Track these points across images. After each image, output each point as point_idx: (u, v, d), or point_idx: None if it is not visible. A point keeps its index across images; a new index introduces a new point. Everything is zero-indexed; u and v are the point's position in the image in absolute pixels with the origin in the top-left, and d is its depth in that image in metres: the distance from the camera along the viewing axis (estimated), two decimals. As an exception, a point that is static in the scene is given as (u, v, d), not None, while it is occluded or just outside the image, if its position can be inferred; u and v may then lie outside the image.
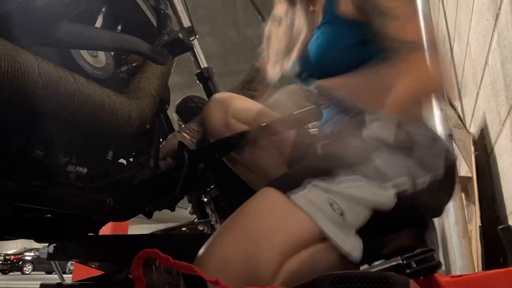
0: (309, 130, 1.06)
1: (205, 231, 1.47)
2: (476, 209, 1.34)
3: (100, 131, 0.86)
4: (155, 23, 1.01)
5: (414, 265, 0.53)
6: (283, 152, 1.08)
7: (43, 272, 16.90)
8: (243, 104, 1.15)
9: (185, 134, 1.18)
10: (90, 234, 1.15)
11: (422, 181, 0.75)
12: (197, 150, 1.13)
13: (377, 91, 0.91)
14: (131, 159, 1.09)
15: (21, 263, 16.78)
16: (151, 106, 0.94)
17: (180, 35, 0.86)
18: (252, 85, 1.43)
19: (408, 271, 0.53)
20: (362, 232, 0.72)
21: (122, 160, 1.07)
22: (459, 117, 1.50)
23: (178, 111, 1.40)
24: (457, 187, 1.42)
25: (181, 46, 0.87)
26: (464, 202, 1.50)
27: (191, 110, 1.36)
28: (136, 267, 0.70)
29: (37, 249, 17.35)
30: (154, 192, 1.06)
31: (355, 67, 0.97)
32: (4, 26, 0.64)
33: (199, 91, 1.47)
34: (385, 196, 0.72)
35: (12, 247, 20.99)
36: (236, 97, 1.17)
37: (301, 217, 0.69)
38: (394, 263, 0.55)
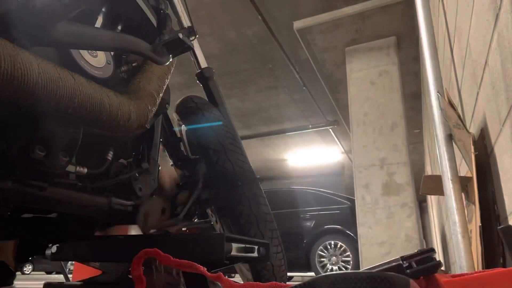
0: None
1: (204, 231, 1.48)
2: (476, 209, 1.34)
3: (100, 131, 0.86)
4: (155, 23, 1.01)
5: (415, 265, 0.53)
6: None
7: (43, 272, 16.89)
8: None
9: None
10: (90, 234, 1.15)
11: None
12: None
13: None
14: (131, 159, 1.09)
15: (21, 263, 16.76)
16: (151, 106, 0.94)
17: (180, 35, 0.86)
18: None
19: (408, 271, 0.53)
20: None
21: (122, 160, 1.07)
22: (459, 117, 1.50)
23: (178, 111, 1.40)
24: (457, 187, 1.42)
25: (181, 46, 0.87)
26: (464, 202, 1.50)
27: (191, 110, 1.36)
28: (136, 267, 0.70)
29: (37, 249, 17.33)
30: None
31: None
32: (5, 26, 0.64)
33: (199, 91, 1.47)
34: None
35: (12, 247, 20.96)
36: None
37: None
38: (394, 264, 0.55)
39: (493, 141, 1.32)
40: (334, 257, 5.57)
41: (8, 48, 0.60)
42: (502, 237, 0.66)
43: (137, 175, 1.02)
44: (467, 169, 1.55)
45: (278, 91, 6.46)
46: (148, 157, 1.08)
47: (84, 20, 0.86)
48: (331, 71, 5.46)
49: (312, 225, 5.92)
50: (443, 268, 0.56)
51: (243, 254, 0.97)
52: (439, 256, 6.11)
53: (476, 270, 1.30)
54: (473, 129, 1.63)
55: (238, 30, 4.95)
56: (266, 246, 1.07)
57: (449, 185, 1.42)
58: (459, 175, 1.46)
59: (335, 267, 5.51)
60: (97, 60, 0.90)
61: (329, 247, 5.64)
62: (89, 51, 0.88)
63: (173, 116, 1.43)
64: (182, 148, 1.43)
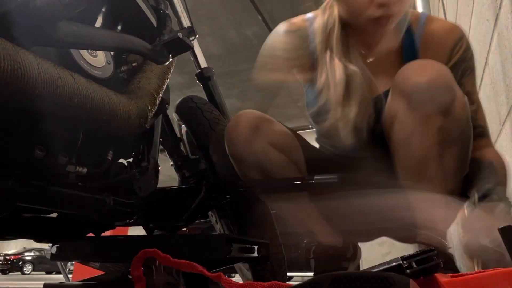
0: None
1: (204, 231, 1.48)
2: (476, 209, 1.34)
3: (100, 131, 0.86)
4: (155, 23, 1.01)
5: (415, 265, 0.53)
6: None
7: (43, 272, 16.90)
8: (280, 129, 1.09)
9: None
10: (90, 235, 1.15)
11: None
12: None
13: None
14: (131, 159, 1.09)
15: (21, 263, 16.78)
16: (151, 106, 0.94)
17: (180, 35, 0.86)
18: None
19: (408, 271, 0.53)
20: None
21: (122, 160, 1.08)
22: (459, 117, 1.50)
23: (178, 111, 1.40)
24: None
25: (181, 46, 0.87)
26: (464, 202, 1.50)
27: (191, 110, 1.36)
28: (136, 267, 0.70)
29: (37, 249, 17.35)
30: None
31: None
32: (4, 26, 0.64)
33: (199, 91, 1.47)
34: None
35: (12, 247, 20.99)
36: (270, 120, 1.10)
37: None
38: (394, 264, 0.55)
39: (493, 141, 1.32)
40: (334, 257, 5.56)
41: (8, 48, 0.60)
42: (502, 237, 0.66)
43: (137, 175, 1.02)
44: (467, 169, 1.54)
45: (278, 91, 6.47)
46: (148, 157, 1.08)
47: (84, 20, 0.86)
48: (331, 71, 5.46)
49: (312, 225, 5.91)
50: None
51: (243, 254, 0.97)
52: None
53: (476, 270, 1.30)
54: (473, 129, 1.63)
55: (238, 30, 4.95)
56: (266, 246, 1.07)
57: (449, 185, 1.42)
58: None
59: (335, 267, 5.50)
60: (97, 60, 0.90)
61: (329, 247, 5.63)
62: (89, 51, 0.88)
63: (173, 116, 1.43)
64: (182, 148, 1.43)
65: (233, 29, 4.93)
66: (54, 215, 1.07)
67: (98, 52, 0.91)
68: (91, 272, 1.35)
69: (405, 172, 0.92)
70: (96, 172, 0.92)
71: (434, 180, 0.88)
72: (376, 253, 3.95)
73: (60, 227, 1.09)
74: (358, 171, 0.97)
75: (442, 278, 0.53)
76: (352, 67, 0.97)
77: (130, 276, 0.72)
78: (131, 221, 1.19)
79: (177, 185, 1.36)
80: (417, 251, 0.55)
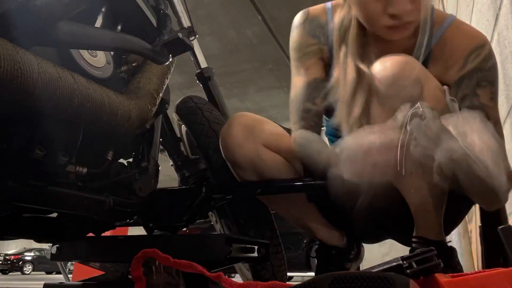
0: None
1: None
2: (476, 209, 1.34)
3: (99, 131, 0.86)
4: (155, 23, 1.01)
5: (415, 265, 0.53)
6: None
7: (43, 272, 16.90)
8: (273, 129, 1.08)
9: None
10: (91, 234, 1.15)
11: None
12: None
13: None
14: (131, 159, 1.09)
15: (21, 263, 16.77)
16: (151, 106, 0.94)
17: (180, 35, 0.86)
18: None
19: (408, 271, 0.53)
20: None
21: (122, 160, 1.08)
22: (459, 117, 1.50)
23: (178, 111, 1.40)
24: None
25: (181, 46, 0.87)
26: (464, 202, 1.50)
27: (191, 110, 1.36)
28: (136, 267, 0.70)
29: (37, 249, 17.35)
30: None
31: None
32: (4, 26, 0.64)
33: (199, 91, 1.47)
34: None
35: (12, 247, 20.99)
36: (263, 122, 1.09)
37: None
38: (394, 264, 0.55)
39: (493, 141, 1.32)
40: (334, 257, 5.57)
41: (8, 48, 0.60)
42: (502, 237, 0.66)
43: (137, 175, 1.02)
44: (467, 169, 1.54)
45: (278, 91, 6.47)
46: (148, 157, 1.08)
47: (84, 20, 0.86)
48: (331, 71, 5.46)
49: (312, 225, 5.91)
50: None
51: (243, 254, 0.97)
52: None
53: (476, 270, 1.30)
54: (473, 129, 1.63)
55: (238, 30, 4.95)
56: (266, 246, 1.07)
57: (449, 185, 1.42)
58: (459, 175, 1.46)
59: (335, 267, 5.50)
60: (97, 60, 0.90)
61: (329, 247, 5.63)
62: (89, 51, 0.88)
63: (173, 116, 1.43)
64: (182, 148, 1.43)
65: (233, 29, 4.93)
66: (54, 215, 1.07)
67: (98, 52, 0.91)
68: (91, 272, 1.35)
69: None
70: (96, 172, 0.92)
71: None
72: (376, 253, 3.95)
73: (60, 227, 1.09)
74: None
75: (442, 278, 0.53)
76: (364, 67, 0.96)
77: (130, 276, 0.72)
78: (131, 221, 1.19)
79: (177, 185, 1.36)
80: (417, 251, 0.55)
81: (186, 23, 1.45)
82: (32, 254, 17.36)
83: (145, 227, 1.21)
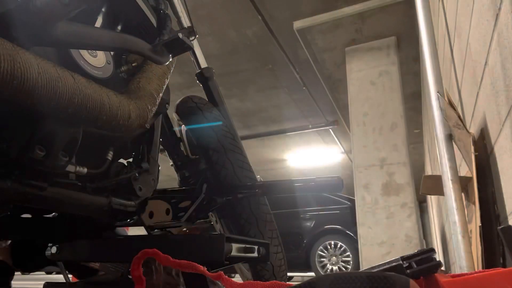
0: None
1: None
2: (476, 209, 1.34)
3: (100, 131, 0.86)
4: (155, 23, 1.01)
5: (415, 265, 0.53)
6: None
7: (43, 272, 16.87)
8: None
9: None
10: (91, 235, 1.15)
11: None
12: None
13: None
14: (131, 159, 1.09)
15: (21, 263, 16.76)
16: (151, 106, 0.94)
17: (180, 35, 0.86)
18: None
19: (408, 271, 0.53)
20: None
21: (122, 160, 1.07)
22: (459, 117, 1.50)
23: (178, 111, 1.40)
24: (457, 187, 1.42)
25: (181, 46, 0.87)
26: (464, 202, 1.50)
27: (191, 110, 1.36)
28: (136, 267, 0.70)
29: (37, 249, 17.32)
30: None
31: None
32: (4, 26, 0.64)
33: (199, 91, 1.47)
34: None
35: (12, 247, 20.93)
36: None
37: None
38: (394, 264, 0.55)
39: (493, 141, 1.32)
40: (334, 257, 5.57)
41: (8, 48, 0.60)
42: (502, 237, 0.66)
43: (137, 175, 1.02)
44: (467, 169, 1.55)
45: (278, 91, 6.46)
46: (148, 157, 1.08)
47: (84, 20, 0.86)
48: (331, 71, 5.46)
49: (312, 225, 5.92)
50: (443, 268, 0.56)
51: (243, 254, 0.97)
52: (439, 256, 6.11)
53: (476, 270, 1.30)
54: (473, 129, 1.63)
55: (238, 30, 4.95)
56: (266, 246, 1.07)
57: (449, 185, 1.42)
58: (459, 175, 1.46)
59: (335, 267, 5.51)
60: (97, 60, 0.90)
61: (329, 247, 5.64)
62: (89, 51, 0.88)
63: (173, 116, 1.43)
64: (182, 148, 1.43)
65: (233, 29, 4.92)
66: (54, 215, 1.07)
67: (98, 52, 0.91)
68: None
69: None
70: (96, 172, 0.92)
71: None
72: (376, 253, 3.95)
73: (60, 227, 1.09)
74: None
75: (442, 278, 0.53)
76: None
77: (130, 276, 0.72)
78: (131, 221, 1.19)
79: (177, 185, 1.36)
80: (417, 251, 0.55)
81: (186, 23, 1.46)
82: (32, 254, 17.33)
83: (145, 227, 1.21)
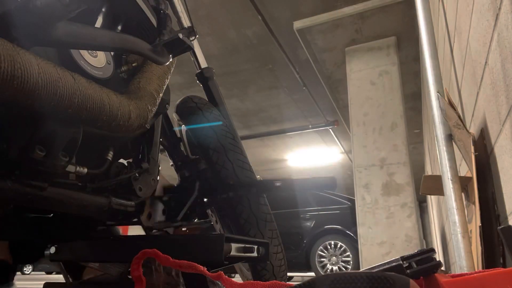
0: None
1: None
2: (476, 209, 1.34)
3: (100, 131, 0.86)
4: (155, 23, 1.01)
5: (415, 265, 0.53)
6: None
7: (43, 272, 16.87)
8: None
9: None
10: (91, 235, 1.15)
11: None
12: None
13: None
14: (131, 159, 1.09)
15: (21, 263, 16.74)
16: (151, 106, 0.94)
17: (180, 35, 0.86)
18: None
19: (408, 271, 0.53)
20: None
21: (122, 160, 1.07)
22: (459, 117, 1.50)
23: (178, 111, 1.40)
24: (457, 187, 1.42)
25: (181, 46, 0.87)
26: (464, 202, 1.50)
27: (191, 110, 1.36)
28: (136, 267, 0.70)
29: (37, 249, 17.30)
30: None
31: None
32: (5, 26, 0.64)
33: (199, 91, 1.47)
34: None
35: (12, 247, 20.93)
36: None
37: None
38: (394, 264, 0.55)
39: (493, 141, 1.32)
40: (334, 257, 5.57)
41: (8, 48, 0.60)
42: (502, 237, 0.66)
43: (137, 175, 1.02)
44: (467, 169, 1.55)
45: (278, 91, 6.46)
46: (148, 157, 1.08)
47: (84, 20, 0.86)
48: (331, 71, 5.46)
49: (312, 225, 5.92)
50: (443, 268, 0.56)
51: (243, 254, 0.97)
52: (439, 256, 6.11)
53: (476, 270, 1.30)
54: (473, 129, 1.63)
55: (238, 30, 4.95)
56: (266, 245, 1.07)
57: (449, 185, 1.42)
58: (459, 175, 1.46)
59: (335, 267, 5.51)
60: (97, 60, 0.90)
61: (329, 247, 5.64)
62: (89, 51, 0.88)
63: (173, 116, 1.43)
64: (182, 148, 1.43)
65: (233, 29, 4.92)
66: (54, 215, 1.07)
67: (98, 52, 0.91)
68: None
69: None
70: (96, 172, 0.92)
71: None
72: (376, 253, 3.95)
73: (59, 227, 1.09)
74: None
75: (442, 278, 0.53)
76: None
77: (130, 276, 0.72)
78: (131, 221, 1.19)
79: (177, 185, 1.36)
80: (417, 251, 0.55)
81: (186, 23, 1.46)
82: (32, 254, 17.32)
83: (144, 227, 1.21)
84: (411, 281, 0.48)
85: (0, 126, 0.73)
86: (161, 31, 1.00)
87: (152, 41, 0.88)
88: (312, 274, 5.77)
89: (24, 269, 16.64)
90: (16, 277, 1.27)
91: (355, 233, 4.46)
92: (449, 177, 1.43)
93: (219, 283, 0.61)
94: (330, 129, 7.92)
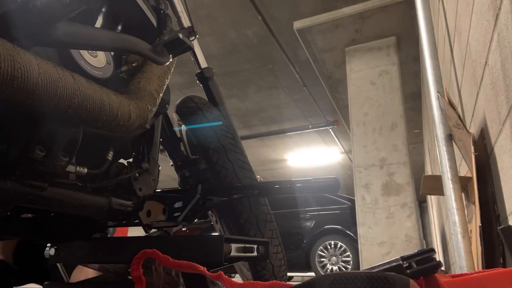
0: None
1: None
2: (476, 209, 1.34)
3: (100, 131, 0.86)
4: (155, 23, 1.01)
5: (415, 265, 0.53)
6: None
7: (43, 272, 16.82)
8: None
9: None
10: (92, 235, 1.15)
11: None
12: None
13: None
14: (131, 159, 1.09)
15: (21, 263, 16.75)
16: (151, 106, 0.94)
17: (180, 35, 0.86)
18: None
19: (408, 271, 0.53)
20: None
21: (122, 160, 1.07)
22: (459, 117, 1.50)
23: (178, 111, 1.40)
24: (457, 187, 1.42)
25: (181, 46, 0.87)
26: (464, 202, 1.50)
27: (191, 110, 1.36)
28: (136, 268, 0.70)
29: (37, 249, 17.31)
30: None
31: None
32: (5, 26, 0.64)
33: (199, 91, 1.47)
34: None
35: (12, 247, 20.93)
36: None
37: None
38: (394, 264, 0.55)
39: (493, 141, 1.32)
40: (334, 257, 5.57)
41: (8, 48, 0.60)
42: (502, 237, 0.66)
43: (137, 175, 1.02)
44: (467, 169, 1.55)
45: (278, 91, 6.46)
46: (148, 157, 1.08)
47: (84, 20, 0.85)
48: (331, 71, 5.46)
49: (312, 225, 5.92)
50: (443, 268, 0.56)
51: (243, 254, 0.97)
52: (439, 256, 6.11)
53: (476, 270, 1.30)
54: (473, 129, 1.63)
55: (238, 30, 4.95)
56: (266, 244, 1.07)
57: (449, 185, 1.42)
58: (459, 175, 1.46)
59: (335, 267, 5.51)
60: (97, 60, 0.90)
61: (329, 247, 5.64)
62: (89, 51, 0.88)
63: (173, 116, 1.43)
64: (182, 148, 1.43)
65: (233, 29, 4.92)
66: (54, 215, 1.07)
67: (98, 52, 0.91)
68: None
69: None
70: (96, 172, 0.92)
71: None
72: (376, 253, 3.95)
73: (59, 228, 1.09)
74: None
75: (442, 278, 0.53)
76: None
77: (130, 277, 0.72)
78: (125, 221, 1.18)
79: (177, 185, 1.36)
80: (417, 251, 0.55)
81: (186, 23, 1.46)
82: (32, 254, 17.32)
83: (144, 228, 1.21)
84: (411, 281, 0.48)
85: (0, 126, 0.73)
86: (161, 31, 1.00)
87: (152, 41, 0.88)
88: (312, 274, 5.77)
89: (24, 269, 16.63)
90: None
91: (355, 233, 4.46)
92: (449, 177, 1.43)
93: (219, 283, 0.61)
94: (330, 129, 7.92)
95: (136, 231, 1.36)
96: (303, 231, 5.91)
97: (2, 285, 1.17)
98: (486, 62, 1.31)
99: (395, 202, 4.11)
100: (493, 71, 1.23)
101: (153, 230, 1.21)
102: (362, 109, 4.54)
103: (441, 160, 1.49)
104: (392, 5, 4.21)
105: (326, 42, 4.83)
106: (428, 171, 7.31)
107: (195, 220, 1.52)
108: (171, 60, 0.92)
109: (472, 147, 1.41)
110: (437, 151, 1.54)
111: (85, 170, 0.85)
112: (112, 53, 0.97)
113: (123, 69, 0.99)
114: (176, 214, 1.17)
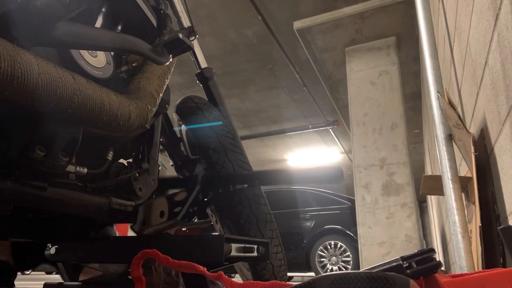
0: None
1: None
2: (476, 209, 1.34)
3: (100, 131, 0.86)
4: (155, 23, 1.01)
5: (415, 266, 0.53)
6: None
7: (43, 272, 16.86)
8: None
9: None
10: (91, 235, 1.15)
11: None
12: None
13: None
14: (131, 159, 1.09)
15: (21, 263, 16.72)
16: (151, 106, 0.94)
17: (180, 35, 0.86)
18: None
19: (408, 271, 0.53)
20: None
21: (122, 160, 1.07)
22: (459, 117, 1.50)
23: (178, 111, 1.40)
24: (457, 187, 1.42)
25: (181, 46, 0.87)
26: (464, 202, 1.50)
27: (191, 110, 1.36)
28: (136, 268, 0.70)
29: (37, 249, 17.30)
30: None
31: None
32: (5, 26, 0.64)
33: (199, 91, 1.47)
34: None
35: (12, 247, 20.91)
36: None
37: None
38: (394, 264, 0.55)
39: (493, 141, 1.32)
40: (334, 257, 5.57)
41: (8, 48, 0.60)
42: (502, 237, 0.66)
43: (137, 175, 1.02)
44: (467, 169, 1.55)
45: (278, 91, 6.46)
46: (148, 157, 1.08)
47: (84, 20, 0.86)
48: (331, 71, 5.46)
49: (312, 225, 5.92)
50: (443, 268, 0.56)
51: (243, 254, 0.97)
52: (439, 256, 6.11)
53: (476, 270, 1.30)
54: (473, 129, 1.63)
55: (238, 30, 4.95)
56: (266, 244, 1.07)
57: (449, 185, 1.42)
58: (459, 175, 1.46)
59: (335, 267, 5.51)
60: (97, 60, 0.90)
61: (329, 247, 5.64)
62: (89, 51, 0.88)
63: (173, 116, 1.43)
64: (182, 148, 1.43)
65: (233, 29, 4.92)
66: (54, 215, 1.07)
67: (98, 52, 0.91)
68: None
69: None
70: (96, 172, 0.92)
71: None
72: (376, 253, 3.95)
73: (59, 228, 1.09)
74: None
75: (442, 278, 0.53)
76: None
77: (130, 277, 0.72)
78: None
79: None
80: (417, 251, 0.55)
81: (186, 23, 1.46)
82: (32, 254, 17.30)
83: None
84: (411, 281, 0.48)
85: (0, 126, 0.73)
86: (161, 31, 1.00)
87: (152, 41, 0.88)
88: (312, 274, 5.77)
89: (24, 269, 16.61)
90: (16, 277, 1.27)
91: (355, 233, 4.46)
92: (449, 177, 1.43)
93: (219, 283, 0.61)
94: (330, 129, 7.92)
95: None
96: (303, 231, 5.91)
97: (2, 285, 1.17)
98: (486, 62, 1.31)
99: (395, 202, 4.12)
100: (493, 71, 1.23)
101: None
102: (362, 109, 4.54)
103: (441, 160, 1.49)
104: (392, 5, 4.21)
105: (326, 42, 4.83)
106: (428, 171, 7.31)
107: (195, 220, 1.52)
108: (171, 60, 0.92)
109: (472, 147, 1.41)
110: (437, 151, 1.54)
111: (85, 170, 0.85)
112: (112, 53, 0.97)
113: (123, 69, 0.99)
114: (176, 210, 1.17)
